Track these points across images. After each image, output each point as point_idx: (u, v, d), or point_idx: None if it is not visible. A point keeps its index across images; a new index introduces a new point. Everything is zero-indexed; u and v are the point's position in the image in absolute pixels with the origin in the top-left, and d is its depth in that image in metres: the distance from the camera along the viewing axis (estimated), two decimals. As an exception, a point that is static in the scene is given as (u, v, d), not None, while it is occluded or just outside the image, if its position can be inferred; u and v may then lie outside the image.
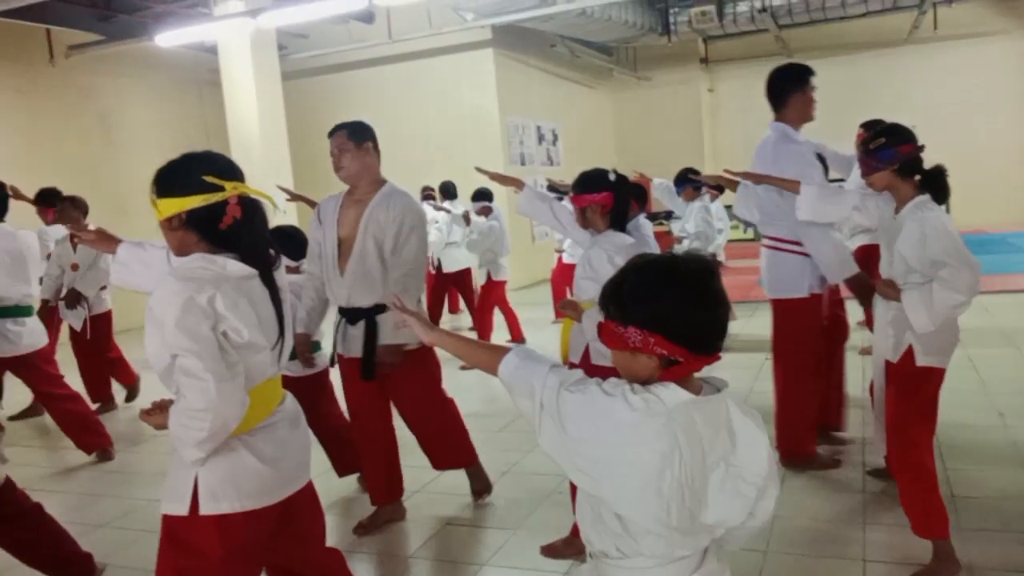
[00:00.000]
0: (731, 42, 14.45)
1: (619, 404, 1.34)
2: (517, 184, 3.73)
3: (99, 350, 5.85)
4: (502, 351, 1.57)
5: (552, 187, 7.15)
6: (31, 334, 4.58)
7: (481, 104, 11.37)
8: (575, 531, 3.06)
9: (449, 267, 7.96)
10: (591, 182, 3.04)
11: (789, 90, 3.76)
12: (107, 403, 6.01)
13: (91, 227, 3.53)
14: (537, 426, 1.44)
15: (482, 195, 7.22)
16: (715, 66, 15.45)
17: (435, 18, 10.41)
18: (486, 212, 7.16)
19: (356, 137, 3.36)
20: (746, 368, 5.73)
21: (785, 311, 3.85)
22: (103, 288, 5.74)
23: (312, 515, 2.17)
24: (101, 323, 5.81)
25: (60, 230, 6.14)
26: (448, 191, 8.31)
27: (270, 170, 8.85)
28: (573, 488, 3.03)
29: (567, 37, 12.30)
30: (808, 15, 11.77)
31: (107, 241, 2.50)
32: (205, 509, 1.85)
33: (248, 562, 1.98)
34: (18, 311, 4.53)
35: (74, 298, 5.57)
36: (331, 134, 3.39)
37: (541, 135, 12.76)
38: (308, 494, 2.12)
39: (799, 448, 3.88)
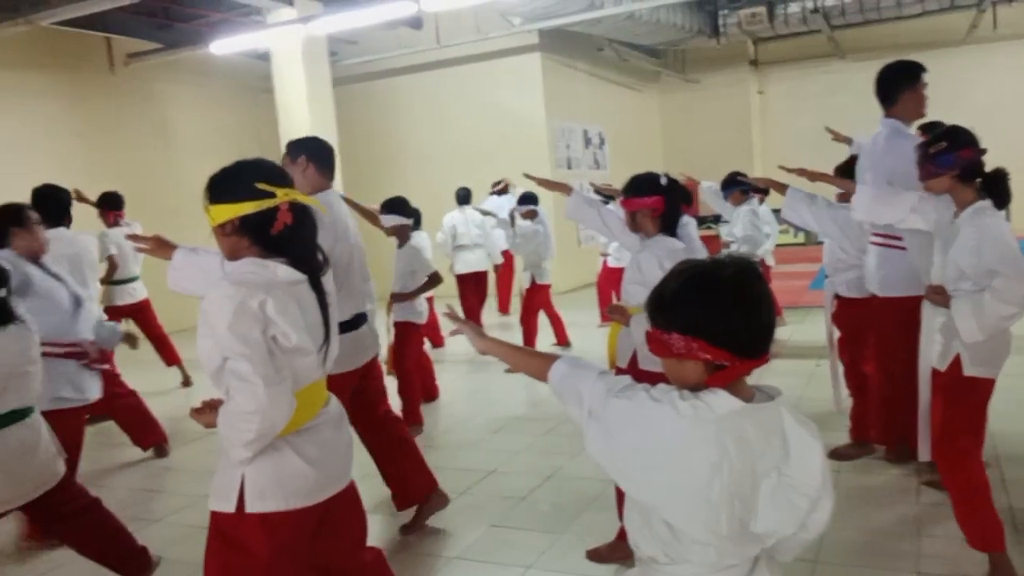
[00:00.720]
0: (782, 43, 14.23)
1: (667, 411, 1.34)
2: (565, 189, 3.73)
3: None
4: (551, 359, 1.59)
5: (598, 192, 7.14)
6: None
7: (528, 108, 11.39)
8: (620, 536, 3.05)
9: (460, 269, 8.15)
10: (642, 186, 3.02)
11: (901, 87, 3.66)
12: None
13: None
14: (585, 432, 1.45)
15: (528, 199, 7.24)
16: (765, 68, 15.23)
17: (483, 23, 10.47)
18: (531, 216, 7.18)
19: (291, 153, 3.28)
20: (796, 375, 5.63)
21: (897, 310, 3.62)
22: None
23: (354, 515, 2.20)
24: None
25: (121, 233, 6.34)
26: (460, 197, 8.52)
27: (320, 174, 8.99)
28: (619, 493, 3.02)
29: (615, 40, 12.25)
30: (862, 15, 11.54)
31: (164, 248, 2.57)
32: (251, 507, 1.90)
33: (293, 560, 2.02)
34: None
35: None
36: None
37: (588, 139, 12.73)
38: (350, 494, 2.16)
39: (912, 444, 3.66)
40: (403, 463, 3.60)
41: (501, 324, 9.01)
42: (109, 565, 3.13)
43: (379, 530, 3.61)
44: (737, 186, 6.44)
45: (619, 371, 3.09)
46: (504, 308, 9.78)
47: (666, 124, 15.49)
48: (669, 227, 3.02)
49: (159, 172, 10.23)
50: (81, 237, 4.88)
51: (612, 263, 7.76)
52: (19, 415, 2.80)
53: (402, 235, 5.22)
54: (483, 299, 8.46)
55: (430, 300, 6.94)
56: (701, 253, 3.25)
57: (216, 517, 1.96)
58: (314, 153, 3.26)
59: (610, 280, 7.66)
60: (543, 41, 11.24)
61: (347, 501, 2.14)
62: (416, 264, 5.17)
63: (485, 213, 7.96)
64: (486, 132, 11.50)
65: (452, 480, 4.17)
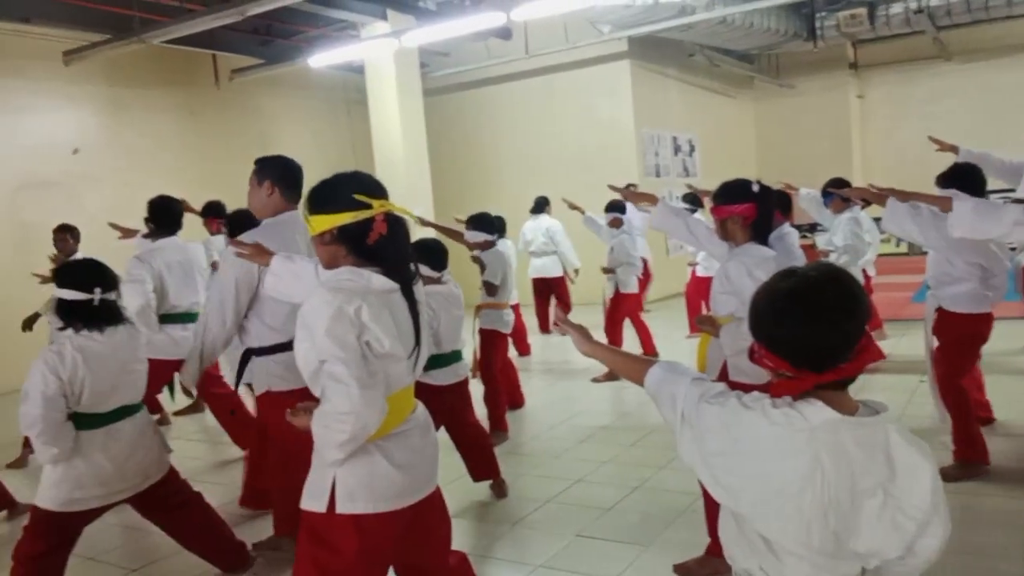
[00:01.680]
0: (883, 45, 13.68)
1: (758, 418, 1.32)
2: (651, 200, 3.68)
3: None
4: (649, 363, 1.61)
5: (691, 195, 7.03)
6: None
7: (616, 116, 11.33)
8: (710, 551, 2.98)
9: (531, 274, 8.64)
10: (733, 192, 2.95)
11: None
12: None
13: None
14: (677, 437, 1.45)
15: (615, 207, 7.17)
16: (865, 71, 14.68)
17: (572, 32, 10.49)
18: (617, 224, 7.10)
19: (257, 176, 3.25)
20: (899, 390, 5.39)
21: None
22: None
23: (440, 519, 2.23)
24: None
25: (223, 240, 6.64)
26: (536, 205, 8.85)
27: (412, 184, 9.20)
28: (709, 508, 2.96)
29: (706, 46, 12.06)
30: (970, 15, 10.97)
31: (263, 254, 2.67)
32: (342, 508, 1.95)
33: (379, 562, 2.06)
34: (186, 317, 4.92)
35: None
36: None
37: (677, 146, 12.56)
38: (436, 499, 2.19)
39: None
40: None
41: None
42: (209, 558, 3.28)
43: (464, 535, 3.64)
44: (835, 194, 6.19)
45: (709, 382, 3.02)
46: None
47: (760, 131, 15.12)
48: (761, 236, 2.94)
49: (259, 182, 10.65)
50: (190, 245, 5.15)
51: (701, 272, 7.62)
52: (129, 411, 2.96)
53: (486, 250, 5.31)
54: (565, 304, 8.55)
55: (516, 308, 6.98)
56: (800, 263, 3.16)
57: (308, 516, 2.02)
58: (280, 177, 3.23)
59: (699, 290, 7.52)
60: (632, 48, 11.17)
61: (434, 505, 2.17)
62: (489, 270, 5.21)
63: (572, 207, 7.84)
64: (574, 140, 11.49)
65: (537, 488, 4.17)
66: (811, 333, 1.31)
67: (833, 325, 1.31)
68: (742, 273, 2.82)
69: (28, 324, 5.68)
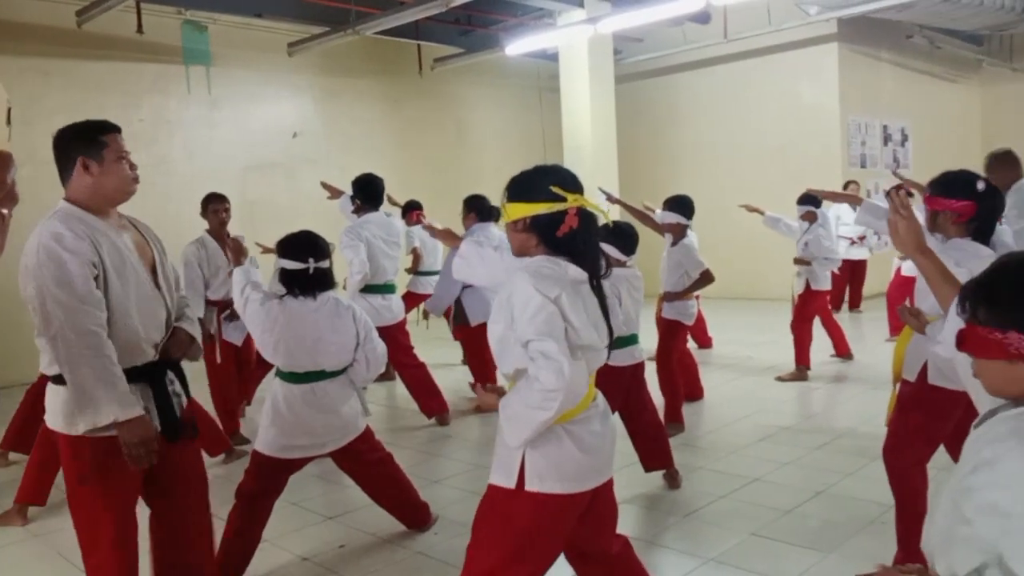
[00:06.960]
0: None
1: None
2: (855, 200, 3.51)
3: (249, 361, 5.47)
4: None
5: (899, 187, 6.51)
6: (397, 308, 5.34)
7: (820, 102, 10.70)
8: (898, 563, 2.80)
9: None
10: (952, 186, 2.72)
11: None
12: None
13: None
14: None
15: (808, 200, 6.75)
16: (1122, 52, 12.84)
17: (776, 15, 10.02)
18: (810, 218, 6.70)
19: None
20: None
21: None
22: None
23: (610, 504, 2.27)
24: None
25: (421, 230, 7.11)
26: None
27: (598, 171, 9.23)
28: (900, 518, 2.77)
29: (927, 26, 11.07)
30: None
31: (453, 238, 2.77)
32: (530, 487, 2.01)
33: (557, 542, 2.12)
34: (386, 288, 5.28)
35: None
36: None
37: (888, 135, 11.66)
38: (610, 486, 2.23)
39: None
40: None
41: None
42: (395, 513, 3.53)
43: (633, 522, 3.65)
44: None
45: (904, 385, 2.83)
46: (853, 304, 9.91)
47: (987, 120, 13.66)
48: (979, 238, 2.69)
49: (455, 166, 11.14)
50: (394, 220, 5.56)
51: (906, 271, 7.06)
52: (329, 375, 3.22)
53: (677, 233, 5.21)
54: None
55: (697, 299, 6.82)
56: None
57: (494, 490, 2.10)
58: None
59: (902, 290, 6.98)
60: (842, 30, 10.49)
61: (608, 491, 2.22)
62: (687, 263, 5.13)
63: (751, 210, 7.40)
64: (772, 128, 10.99)
65: (713, 483, 4.10)
66: None
67: None
68: (948, 265, 2.60)
69: None
